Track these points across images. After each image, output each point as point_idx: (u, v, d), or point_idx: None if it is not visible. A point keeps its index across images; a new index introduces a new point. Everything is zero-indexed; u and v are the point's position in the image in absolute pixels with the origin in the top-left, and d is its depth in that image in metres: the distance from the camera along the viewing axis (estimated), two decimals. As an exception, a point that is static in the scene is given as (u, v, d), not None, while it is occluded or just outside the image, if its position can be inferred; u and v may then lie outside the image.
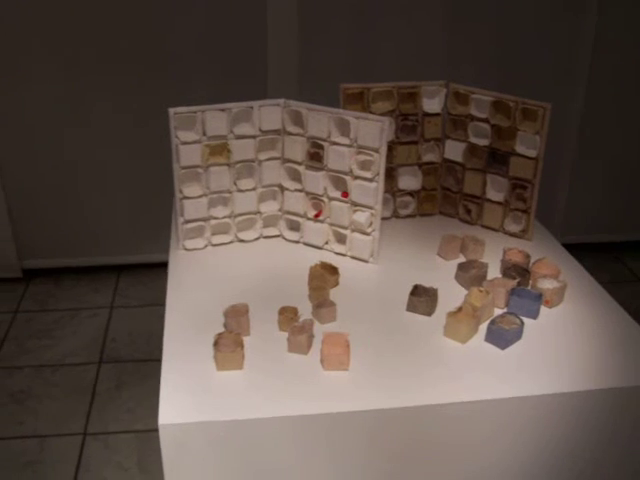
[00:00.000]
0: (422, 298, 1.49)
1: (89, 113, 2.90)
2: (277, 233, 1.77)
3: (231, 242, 1.75)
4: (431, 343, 1.42)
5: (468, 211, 1.87)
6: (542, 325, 1.49)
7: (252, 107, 1.63)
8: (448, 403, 1.28)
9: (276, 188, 1.73)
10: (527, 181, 1.75)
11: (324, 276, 1.56)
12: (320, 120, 1.61)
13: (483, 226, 1.87)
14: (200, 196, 1.66)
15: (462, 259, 1.71)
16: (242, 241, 1.75)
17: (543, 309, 1.53)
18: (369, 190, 1.61)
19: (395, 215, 1.90)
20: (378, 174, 1.60)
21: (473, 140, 1.80)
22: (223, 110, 1.61)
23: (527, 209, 1.78)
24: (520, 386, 1.31)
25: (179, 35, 2.78)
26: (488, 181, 1.81)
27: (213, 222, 1.70)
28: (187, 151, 1.61)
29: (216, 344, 1.33)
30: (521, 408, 1.31)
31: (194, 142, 1.61)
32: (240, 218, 1.72)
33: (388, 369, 1.34)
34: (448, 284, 1.61)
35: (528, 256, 1.66)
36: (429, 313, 1.49)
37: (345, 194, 1.65)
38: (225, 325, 1.42)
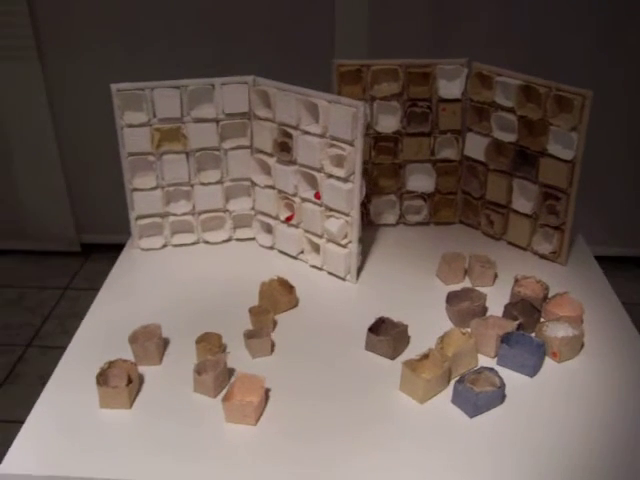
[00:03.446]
0: (382, 337, 1.17)
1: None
2: (252, 235, 1.50)
3: (195, 243, 1.49)
4: (380, 399, 1.10)
5: (490, 222, 1.50)
6: (539, 387, 1.12)
7: (213, 85, 1.36)
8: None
9: (248, 183, 1.46)
10: (560, 190, 1.36)
11: (274, 296, 1.27)
12: (289, 103, 1.31)
13: (509, 242, 1.49)
14: (153, 188, 1.42)
15: (467, 284, 1.36)
16: (208, 243, 1.49)
17: (549, 364, 1.17)
18: (342, 192, 1.29)
19: (402, 222, 1.56)
20: (353, 173, 1.28)
21: (497, 135, 1.42)
22: (177, 88, 1.35)
23: (560, 225, 1.39)
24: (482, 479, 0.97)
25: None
26: (515, 187, 1.44)
27: (172, 219, 1.46)
28: (133, 135, 1.36)
29: (101, 375, 1.09)
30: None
31: (141, 125, 1.36)
32: (204, 216, 1.46)
33: (308, 430, 1.04)
34: (437, 318, 1.27)
35: (546, 289, 1.29)
36: (391, 356, 1.17)
37: (318, 195, 1.35)
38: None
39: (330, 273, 1.39)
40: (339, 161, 1.28)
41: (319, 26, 2.57)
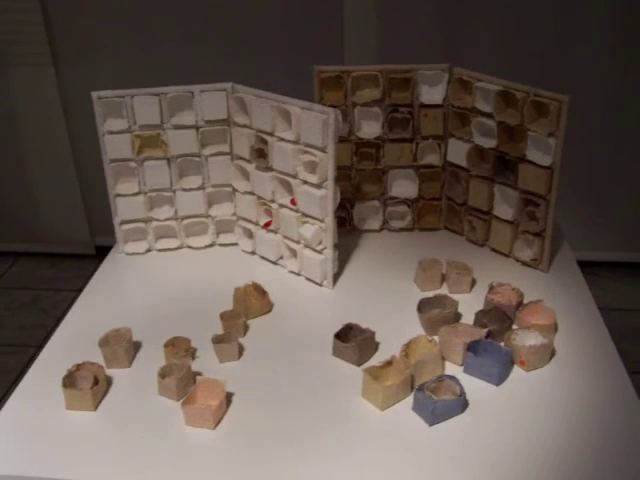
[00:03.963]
0: (348, 343, 1.17)
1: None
2: (234, 241, 1.51)
3: (179, 248, 1.51)
4: (342, 405, 1.10)
5: (473, 229, 1.49)
6: (504, 396, 1.11)
7: (192, 92, 1.38)
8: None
9: (229, 188, 1.47)
10: (539, 196, 1.35)
11: (247, 301, 1.28)
12: (264, 110, 1.32)
13: (492, 249, 1.48)
14: (136, 194, 1.44)
15: (444, 290, 1.35)
16: (191, 248, 1.51)
17: (518, 372, 1.15)
18: (315, 199, 1.30)
19: (386, 227, 1.56)
20: (326, 179, 1.28)
21: (478, 140, 1.41)
22: (156, 95, 1.37)
23: (540, 232, 1.37)
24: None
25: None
26: (496, 193, 1.42)
27: (155, 224, 1.48)
28: (114, 142, 1.39)
29: (69, 377, 1.11)
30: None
31: (121, 132, 1.38)
32: (187, 221, 1.48)
33: (265, 435, 1.04)
34: (409, 325, 1.26)
35: (521, 296, 1.27)
36: (357, 362, 1.17)
37: (294, 201, 1.35)
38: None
39: (308, 279, 1.40)
40: (312, 167, 1.29)
41: (329, 32, 2.57)
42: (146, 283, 1.42)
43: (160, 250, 1.51)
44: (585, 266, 2.68)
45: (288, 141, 1.31)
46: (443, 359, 1.16)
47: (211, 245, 1.51)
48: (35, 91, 2.73)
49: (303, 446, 1.02)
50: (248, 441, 1.04)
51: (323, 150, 1.26)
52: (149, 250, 1.50)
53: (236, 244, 1.51)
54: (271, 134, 1.33)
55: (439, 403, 1.04)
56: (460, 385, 1.07)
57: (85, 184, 2.99)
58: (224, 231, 1.51)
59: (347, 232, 1.53)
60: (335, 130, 1.24)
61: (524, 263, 1.42)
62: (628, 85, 2.38)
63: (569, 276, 1.40)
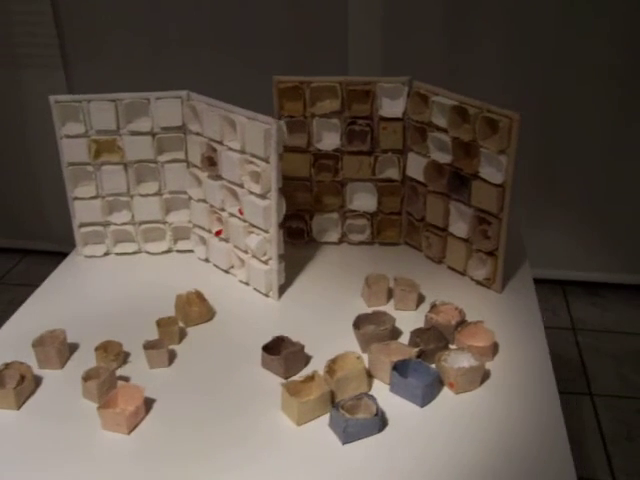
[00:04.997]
0: (274, 356, 1.16)
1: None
2: (191, 247, 1.51)
3: (136, 252, 1.52)
4: (261, 418, 1.08)
5: (430, 245, 1.46)
6: (425, 417, 1.08)
7: (148, 99, 1.38)
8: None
9: (186, 195, 1.47)
10: (492, 215, 1.32)
11: (184, 309, 1.28)
12: (214, 119, 1.32)
13: (449, 267, 1.45)
14: (93, 197, 1.45)
15: (390, 306, 1.33)
16: (149, 253, 1.52)
17: (446, 394, 1.13)
18: (259, 209, 1.29)
19: (346, 240, 1.54)
20: (270, 190, 1.27)
21: (434, 155, 1.39)
22: (112, 101, 1.38)
23: (493, 251, 1.34)
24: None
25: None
26: (452, 210, 1.40)
27: (112, 228, 1.49)
28: (71, 146, 1.40)
29: (-6, 376, 1.13)
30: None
31: (78, 136, 1.40)
32: (144, 226, 1.49)
33: (178, 444, 1.04)
34: (346, 340, 1.23)
35: (463, 316, 1.24)
36: (285, 375, 1.15)
37: (241, 210, 1.35)
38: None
39: (255, 289, 1.39)
40: (257, 178, 1.28)
41: (332, 44, 2.55)
42: (99, 286, 1.43)
43: (118, 254, 1.52)
44: (588, 287, 2.64)
45: (235, 150, 1.31)
46: (371, 377, 1.14)
47: (168, 251, 1.52)
48: (44, 92, 2.77)
49: (213, 459, 1.01)
50: (160, 448, 1.03)
51: (266, 160, 1.25)
52: (107, 253, 1.51)
53: (192, 251, 1.51)
54: (220, 143, 1.33)
55: (351, 422, 1.02)
56: (377, 405, 1.05)
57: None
58: (181, 238, 1.51)
59: (305, 244, 1.52)
60: (278, 140, 1.23)
61: (478, 282, 1.39)
62: (629, 105, 2.31)
63: (522, 298, 1.36)
